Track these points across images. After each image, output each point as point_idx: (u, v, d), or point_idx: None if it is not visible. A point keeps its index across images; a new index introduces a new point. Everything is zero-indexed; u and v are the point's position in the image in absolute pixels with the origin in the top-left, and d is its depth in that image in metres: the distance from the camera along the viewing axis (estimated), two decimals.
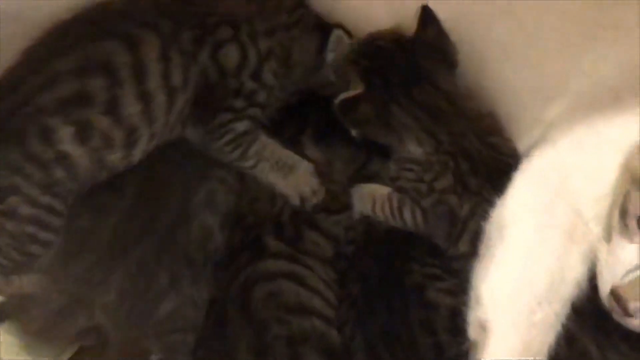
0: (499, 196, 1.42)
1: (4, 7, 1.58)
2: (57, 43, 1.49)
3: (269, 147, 1.60)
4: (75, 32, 1.49)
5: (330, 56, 1.67)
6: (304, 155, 1.60)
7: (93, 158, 1.46)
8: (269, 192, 1.58)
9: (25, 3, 1.62)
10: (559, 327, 1.34)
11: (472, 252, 1.41)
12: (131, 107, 1.45)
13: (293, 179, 1.60)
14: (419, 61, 1.57)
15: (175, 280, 1.52)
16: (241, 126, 1.60)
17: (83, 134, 1.43)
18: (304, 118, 1.64)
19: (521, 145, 1.55)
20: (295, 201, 1.58)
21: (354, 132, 1.59)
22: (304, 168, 1.60)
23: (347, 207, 1.58)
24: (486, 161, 1.52)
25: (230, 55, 1.58)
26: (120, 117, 1.45)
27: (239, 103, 1.58)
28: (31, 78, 1.45)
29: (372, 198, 1.55)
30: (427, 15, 1.59)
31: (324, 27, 1.69)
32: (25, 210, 1.45)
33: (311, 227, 1.54)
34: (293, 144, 1.60)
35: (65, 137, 1.43)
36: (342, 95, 1.58)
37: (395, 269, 1.48)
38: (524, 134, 1.56)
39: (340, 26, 1.68)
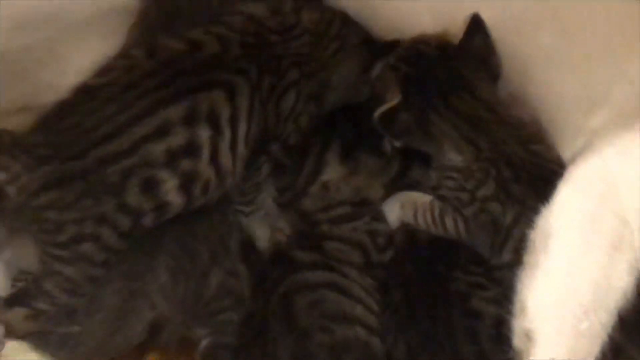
0: (543, 204, 1.37)
1: None
2: (159, 90, 1.44)
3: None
4: (179, 79, 1.45)
5: (375, 72, 1.64)
6: (322, 173, 1.57)
7: (186, 205, 1.45)
8: None
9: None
10: (605, 337, 1.30)
11: (517, 261, 1.37)
12: (225, 157, 1.44)
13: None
14: (461, 70, 1.56)
15: (214, 255, 1.52)
16: (266, 169, 1.60)
17: (188, 184, 1.43)
18: (329, 133, 1.61)
19: (566, 154, 1.53)
20: (265, 244, 1.60)
21: (396, 143, 1.57)
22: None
23: (363, 214, 1.55)
24: (529, 168, 1.50)
25: (289, 99, 1.57)
26: (219, 167, 1.44)
27: (274, 146, 1.57)
28: (136, 128, 1.40)
29: (413, 206, 1.54)
30: (476, 24, 1.58)
31: (368, 44, 1.67)
32: (96, 256, 1.42)
33: (327, 238, 1.53)
34: (317, 161, 1.58)
35: (171, 189, 1.41)
36: (381, 108, 1.56)
37: (438, 276, 1.47)
38: (568, 142, 1.54)
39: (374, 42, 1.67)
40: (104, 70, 1.47)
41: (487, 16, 1.58)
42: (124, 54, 1.52)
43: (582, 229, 1.34)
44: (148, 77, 1.45)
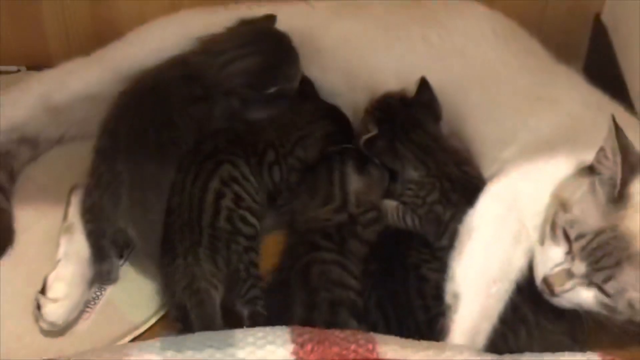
0: (469, 208, 1.56)
1: None
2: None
3: None
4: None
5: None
6: (347, 186, 1.65)
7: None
8: (320, 219, 1.62)
9: None
10: (506, 299, 1.50)
11: (451, 245, 1.55)
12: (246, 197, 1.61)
13: None
14: (415, 114, 1.72)
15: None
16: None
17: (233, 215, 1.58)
18: (343, 156, 1.69)
19: (486, 174, 1.67)
20: None
21: (375, 161, 1.68)
22: None
23: (380, 218, 1.65)
24: (461, 183, 1.64)
25: (276, 173, 1.69)
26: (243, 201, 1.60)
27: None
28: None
29: (386, 209, 1.66)
30: (424, 84, 1.72)
31: (331, 114, 1.78)
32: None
33: (353, 237, 1.60)
34: (342, 177, 1.66)
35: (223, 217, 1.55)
36: (365, 136, 1.69)
37: (400, 253, 1.59)
38: (488, 167, 1.69)
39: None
40: None
41: (432, 80, 1.74)
42: None
43: (494, 226, 1.54)
44: None
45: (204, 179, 1.58)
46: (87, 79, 1.73)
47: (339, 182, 1.65)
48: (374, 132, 1.70)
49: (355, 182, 1.66)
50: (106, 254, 1.58)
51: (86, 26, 1.91)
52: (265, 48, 1.70)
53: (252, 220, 1.59)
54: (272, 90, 1.72)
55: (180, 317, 1.49)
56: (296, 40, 1.76)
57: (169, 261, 1.51)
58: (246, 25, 1.75)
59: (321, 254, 1.56)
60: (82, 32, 1.91)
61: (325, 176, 1.66)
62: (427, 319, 1.50)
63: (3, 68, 1.98)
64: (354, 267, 1.56)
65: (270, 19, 1.76)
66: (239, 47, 1.69)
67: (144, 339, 1.48)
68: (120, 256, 1.63)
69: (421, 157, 1.68)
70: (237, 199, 1.58)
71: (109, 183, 1.55)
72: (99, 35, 1.86)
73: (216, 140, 1.65)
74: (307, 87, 1.79)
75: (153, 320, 1.59)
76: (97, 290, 1.62)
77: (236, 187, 1.59)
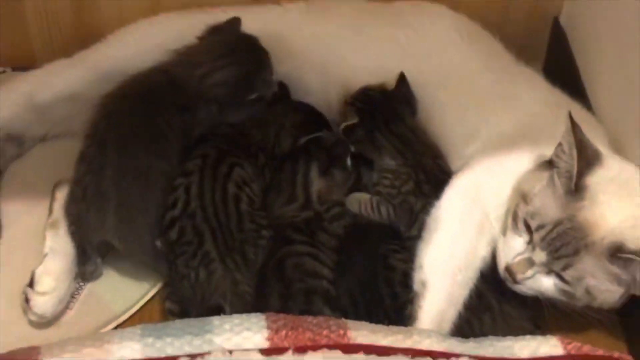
0: (436, 200, 1.57)
1: None
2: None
3: None
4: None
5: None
6: (310, 187, 1.66)
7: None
8: (287, 216, 1.63)
9: None
10: (471, 287, 1.52)
11: (419, 236, 1.56)
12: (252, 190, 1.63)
13: None
14: (394, 106, 1.74)
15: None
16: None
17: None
18: (308, 157, 1.69)
19: (452, 169, 1.68)
20: None
21: (352, 148, 1.71)
22: None
23: (344, 213, 1.65)
24: (435, 175, 1.65)
25: (267, 174, 1.70)
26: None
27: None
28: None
29: (358, 202, 1.66)
30: (402, 79, 1.75)
31: (300, 107, 1.79)
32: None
33: (321, 230, 1.61)
34: (305, 178, 1.66)
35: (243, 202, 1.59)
36: (345, 123, 1.72)
37: (370, 245, 1.59)
38: (453, 162, 1.70)
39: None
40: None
41: (409, 77, 1.76)
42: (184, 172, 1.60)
43: (459, 218, 1.56)
44: None
45: (222, 184, 1.58)
46: (70, 79, 1.74)
47: (302, 183, 1.65)
48: (354, 120, 1.72)
49: (317, 184, 1.65)
50: (89, 256, 1.58)
51: (69, 28, 1.91)
52: (241, 57, 1.70)
53: (262, 220, 1.61)
54: (252, 96, 1.72)
55: (179, 313, 1.51)
56: (269, 42, 1.76)
57: (200, 262, 1.51)
58: (216, 33, 1.75)
59: (295, 247, 1.56)
60: (65, 34, 1.91)
61: (289, 177, 1.66)
62: (394, 305, 1.51)
63: None
64: (326, 257, 1.56)
65: (236, 21, 1.76)
66: (215, 59, 1.69)
67: (125, 328, 1.46)
68: (103, 256, 1.63)
69: (399, 148, 1.70)
70: (250, 201, 1.60)
71: (95, 198, 1.53)
72: (81, 37, 1.85)
73: (216, 144, 1.65)
74: (283, 91, 1.81)
75: (134, 310, 1.58)
76: (80, 281, 1.62)
77: (247, 190, 1.60)
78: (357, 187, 1.71)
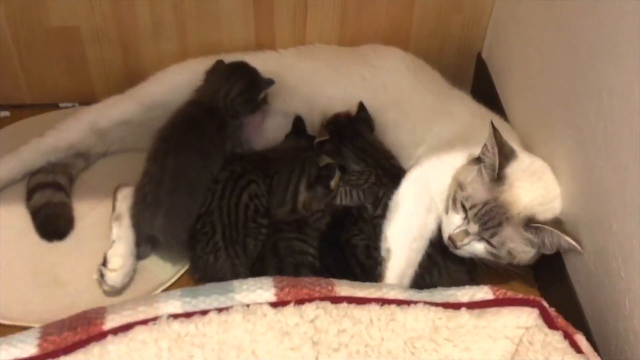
0: (395, 189, 1.56)
1: None
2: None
3: None
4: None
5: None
6: (297, 197, 1.61)
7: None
8: (279, 216, 1.59)
9: None
10: (423, 252, 1.52)
11: (383, 215, 1.55)
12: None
13: None
14: (357, 127, 1.71)
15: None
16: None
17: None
18: (302, 170, 1.65)
19: (405, 166, 1.66)
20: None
21: (327, 158, 1.67)
22: None
23: (325, 215, 1.60)
24: (390, 170, 1.64)
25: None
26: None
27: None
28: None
29: (336, 193, 1.62)
30: (362, 107, 1.73)
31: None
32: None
33: (307, 226, 1.57)
34: (295, 190, 1.62)
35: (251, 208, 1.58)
36: (318, 139, 1.70)
37: (339, 229, 1.58)
38: (405, 162, 1.68)
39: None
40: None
41: (366, 104, 1.74)
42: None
43: (413, 201, 1.55)
44: None
45: (238, 193, 1.56)
46: (123, 110, 1.72)
47: (292, 192, 1.60)
48: (325, 137, 1.69)
49: (303, 196, 1.60)
50: (142, 242, 1.58)
51: (120, 71, 1.90)
52: (241, 73, 1.69)
53: (264, 221, 1.59)
54: (262, 95, 1.69)
55: (202, 278, 1.49)
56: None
57: (211, 249, 1.52)
58: (213, 72, 1.74)
59: (285, 234, 1.54)
60: (118, 75, 1.89)
61: (283, 183, 1.62)
62: (362, 272, 1.49)
63: (62, 105, 1.95)
64: (311, 240, 1.55)
65: (220, 61, 1.75)
66: (227, 80, 1.67)
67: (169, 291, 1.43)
68: (153, 244, 1.62)
69: (360, 156, 1.67)
70: (256, 209, 1.57)
71: (151, 203, 1.52)
72: (129, 77, 1.85)
73: (243, 164, 1.62)
74: (299, 125, 1.78)
75: (175, 278, 1.57)
76: (136, 259, 1.60)
77: (257, 202, 1.57)
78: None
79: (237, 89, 1.65)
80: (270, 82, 1.67)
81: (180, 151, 1.54)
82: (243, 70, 1.67)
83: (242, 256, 1.49)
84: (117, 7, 1.76)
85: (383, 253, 1.50)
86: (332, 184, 1.60)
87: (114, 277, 1.49)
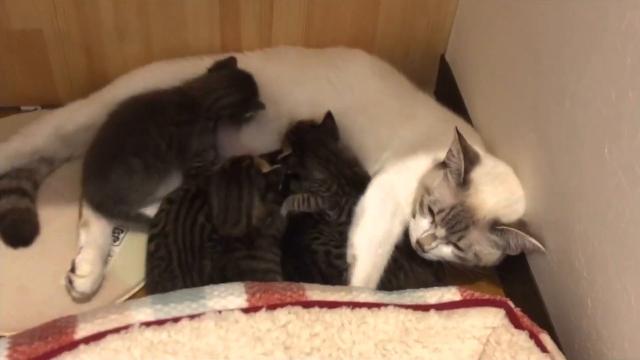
0: (360, 195, 1.57)
1: None
2: None
3: None
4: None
5: None
6: (252, 212, 1.55)
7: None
8: (232, 235, 1.54)
9: None
10: (389, 257, 1.53)
11: (348, 222, 1.55)
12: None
13: None
14: (320, 136, 1.70)
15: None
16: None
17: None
18: (251, 184, 1.59)
19: (371, 171, 1.67)
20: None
21: (289, 170, 1.65)
22: None
23: (274, 220, 1.57)
24: (353, 179, 1.63)
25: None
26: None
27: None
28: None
29: (293, 199, 1.59)
30: (329, 115, 1.72)
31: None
32: None
33: (258, 236, 1.53)
34: (249, 205, 1.56)
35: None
36: (282, 154, 1.68)
37: (297, 236, 1.57)
38: (371, 166, 1.69)
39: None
40: None
41: (331, 107, 1.73)
42: None
43: (378, 207, 1.55)
44: None
45: (194, 215, 1.54)
46: (87, 114, 1.69)
47: (246, 210, 1.55)
48: (288, 152, 1.67)
49: (258, 210, 1.56)
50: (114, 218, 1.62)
51: (84, 74, 1.88)
52: (243, 87, 1.69)
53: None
54: (248, 115, 1.71)
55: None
56: None
57: (168, 277, 1.50)
58: (221, 67, 1.73)
59: (234, 254, 1.50)
60: (81, 79, 1.88)
61: (235, 203, 1.56)
62: (323, 281, 1.46)
63: (24, 108, 1.93)
64: (263, 252, 1.52)
65: (234, 60, 1.75)
66: (226, 87, 1.68)
67: (137, 297, 1.50)
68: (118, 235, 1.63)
69: (324, 165, 1.66)
70: (213, 230, 1.55)
71: (91, 173, 1.59)
72: (94, 81, 1.85)
73: (197, 183, 1.60)
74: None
75: (143, 283, 1.56)
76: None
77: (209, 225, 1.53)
78: (287, 193, 1.64)
79: (229, 100, 1.66)
80: (261, 106, 1.68)
81: (122, 124, 1.57)
82: (245, 85, 1.68)
83: (198, 283, 1.45)
84: (80, 9, 1.75)
85: (349, 259, 1.49)
86: (281, 187, 1.61)
87: (83, 284, 1.48)
